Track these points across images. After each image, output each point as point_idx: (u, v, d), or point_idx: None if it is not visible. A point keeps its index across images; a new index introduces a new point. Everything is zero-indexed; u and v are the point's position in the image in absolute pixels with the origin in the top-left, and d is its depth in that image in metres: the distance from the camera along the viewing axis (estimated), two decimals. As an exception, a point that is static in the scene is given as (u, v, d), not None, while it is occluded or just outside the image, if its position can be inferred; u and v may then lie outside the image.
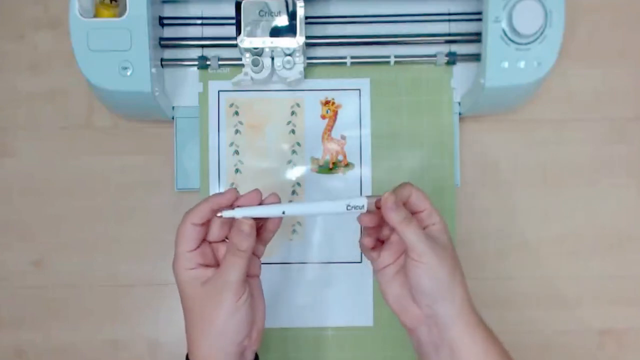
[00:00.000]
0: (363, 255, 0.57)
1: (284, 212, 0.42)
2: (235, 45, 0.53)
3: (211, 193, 0.57)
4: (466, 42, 0.57)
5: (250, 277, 0.44)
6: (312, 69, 0.57)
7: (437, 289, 0.42)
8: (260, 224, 0.44)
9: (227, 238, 0.43)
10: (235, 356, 0.41)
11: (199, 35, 0.58)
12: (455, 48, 0.57)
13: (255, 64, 0.54)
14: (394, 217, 0.41)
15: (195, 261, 0.41)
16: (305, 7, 0.52)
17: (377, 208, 0.43)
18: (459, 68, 0.57)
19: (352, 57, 0.57)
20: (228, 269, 0.40)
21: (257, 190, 0.42)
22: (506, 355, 0.43)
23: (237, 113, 0.58)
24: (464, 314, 0.43)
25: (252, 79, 0.55)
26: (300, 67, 0.55)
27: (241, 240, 0.40)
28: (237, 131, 0.57)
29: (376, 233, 0.46)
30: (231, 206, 0.42)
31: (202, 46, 0.57)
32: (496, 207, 0.61)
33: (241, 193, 0.43)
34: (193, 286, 0.41)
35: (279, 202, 0.43)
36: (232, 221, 0.42)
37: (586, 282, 0.61)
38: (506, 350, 0.44)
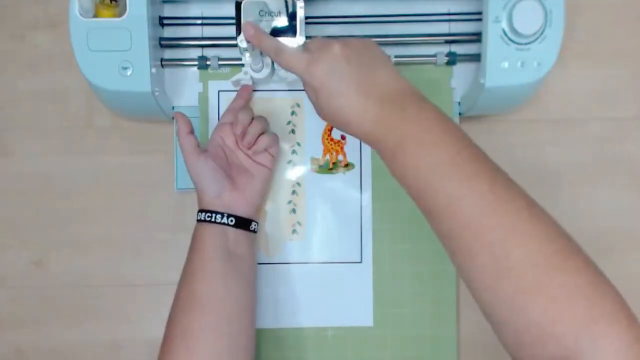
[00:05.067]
0: (363, 253, 0.57)
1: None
2: (235, 45, 0.53)
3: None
4: (466, 42, 0.57)
5: (258, 163, 0.54)
6: (312, 69, 0.57)
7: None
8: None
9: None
10: (218, 205, 0.51)
11: (199, 35, 0.58)
12: (455, 48, 0.57)
13: (255, 63, 0.54)
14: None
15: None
16: (305, 7, 0.52)
17: None
18: (459, 68, 0.57)
19: (352, 57, 0.56)
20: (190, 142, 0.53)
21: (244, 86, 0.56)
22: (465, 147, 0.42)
23: (237, 113, 0.57)
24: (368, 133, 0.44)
25: (252, 78, 0.55)
26: (300, 67, 0.55)
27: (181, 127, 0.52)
28: (237, 131, 0.57)
29: None
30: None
31: (202, 46, 0.57)
32: (496, 207, 0.61)
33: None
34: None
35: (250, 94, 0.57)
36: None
37: (586, 282, 0.61)
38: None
